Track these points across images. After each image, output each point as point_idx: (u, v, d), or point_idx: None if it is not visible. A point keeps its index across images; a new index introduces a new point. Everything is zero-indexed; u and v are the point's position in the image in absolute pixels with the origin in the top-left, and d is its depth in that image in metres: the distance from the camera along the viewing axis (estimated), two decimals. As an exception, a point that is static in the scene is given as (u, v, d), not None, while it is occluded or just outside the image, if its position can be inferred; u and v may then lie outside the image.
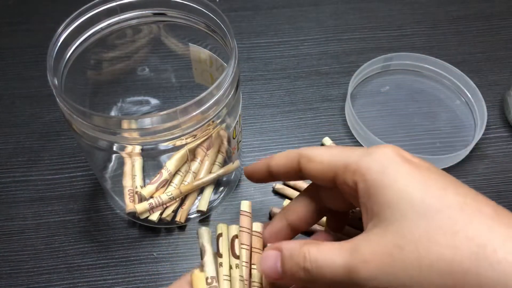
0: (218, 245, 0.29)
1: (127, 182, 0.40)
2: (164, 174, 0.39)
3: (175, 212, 0.40)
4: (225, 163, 0.42)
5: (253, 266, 0.29)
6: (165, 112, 0.29)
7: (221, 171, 0.41)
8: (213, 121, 0.33)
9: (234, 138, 0.38)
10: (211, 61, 0.39)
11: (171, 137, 0.31)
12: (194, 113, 0.31)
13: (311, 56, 0.55)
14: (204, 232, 0.30)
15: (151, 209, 0.38)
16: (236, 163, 0.42)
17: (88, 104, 0.41)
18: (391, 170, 0.24)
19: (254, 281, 0.29)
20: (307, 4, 0.60)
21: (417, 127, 0.48)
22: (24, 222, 0.42)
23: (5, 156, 0.46)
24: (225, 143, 0.40)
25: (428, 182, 0.23)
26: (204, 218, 0.42)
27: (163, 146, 0.32)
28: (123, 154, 0.39)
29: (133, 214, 0.39)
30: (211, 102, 0.31)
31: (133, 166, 0.40)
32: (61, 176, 0.45)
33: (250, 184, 0.44)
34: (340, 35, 0.57)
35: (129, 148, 0.33)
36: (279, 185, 0.43)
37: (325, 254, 0.24)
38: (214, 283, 0.28)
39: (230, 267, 0.29)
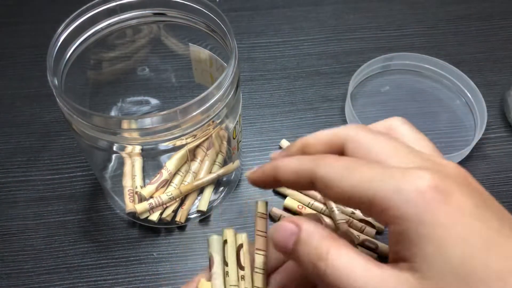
0: (224, 252, 0.27)
1: (127, 182, 0.40)
2: (164, 174, 0.39)
3: (175, 212, 0.40)
4: (225, 163, 0.42)
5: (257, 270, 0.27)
6: (165, 112, 0.29)
7: (221, 171, 0.41)
8: (213, 121, 0.33)
9: (234, 138, 0.38)
10: (211, 61, 0.39)
11: (171, 137, 0.31)
12: (194, 113, 0.31)
13: (311, 56, 0.55)
14: (214, 241, 0.27)
15: (151, 209, 0.38)
16: (236, 163, 0.42)
17: (88, 104, 0.41)
18: (427, 217, 0.19)
19: None
20: (307, 4, 0.60)
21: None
22: (24, 222, 0.42)
23: (5, 156, 0.46)
24: (225, 143, 0.40)
25: (470, 238, 0.19)
26: (204, 218, 0.42)
27: (163, 146, 0.32)
28: (123, 154, 0.39)
29: (133, 214, 0.39)
30: (211, 102, 0.31)
31: (133, 166, 0.40)
32: (61, 176, 0.45)
33: (250, 184, 0.44)
34: (340, 35, 0.57)
35: (129, 148, 0.33)
36: (279, 185, 0.43)
37: (347, 268, 0.21)
38: None
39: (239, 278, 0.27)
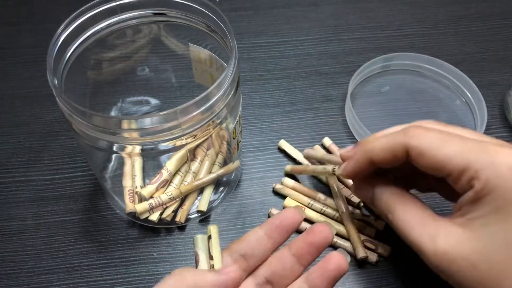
0: (209, 247, 0.29)
1: (127, 182, 0.40)
2: (164, 174, 0.39)
3: (175, 212, 0.40)
4: (225, 163, 0.42)
5: None
6: (165, 112, 0.29)
7: (221, 171, 0.41)
8: (213, 121, 0.33)
9: (234, 138, 0.38)
10: (211, 61, 0.39)
11: (171, 137, 0.31)
12: (194, 113, 0.31)
13: (311, 56, 0.55)
14: (198, 240, 0.29)
15: (151, 209, 0.38)
16: (236, 163, 0.42)
17: (88, 104, 0.41)
18: None
19: None
20: (307, 4, 0.60)
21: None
22: (24, 222, 0.42)
23: (5, 156, 0.46)
24: (225, 143, 0.40)
25: None
26: (204, 218, 0.42)
27: (163, 146, 0.32)
28: (123, 154, 0.39)
29: (133, 214, 0.39)
30: (211, 102, 0.31)
31: (133, 166, 0.40)
32: (61, 176, 0.45)
33: (250, 184, 0.44)
34: (340, 35, 0.57)
35: (129, 148, 0.33)
36: (279, 185, 0.43)
37: (406, 221, 0.26)
38: None
39: None
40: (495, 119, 0.49)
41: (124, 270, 0.39)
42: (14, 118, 0.49)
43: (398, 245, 0.38)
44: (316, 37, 0.57)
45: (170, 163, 0.39)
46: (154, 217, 0.39)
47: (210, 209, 0.42)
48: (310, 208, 0.41)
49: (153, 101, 0.47)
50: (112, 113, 0.45)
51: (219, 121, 0.34)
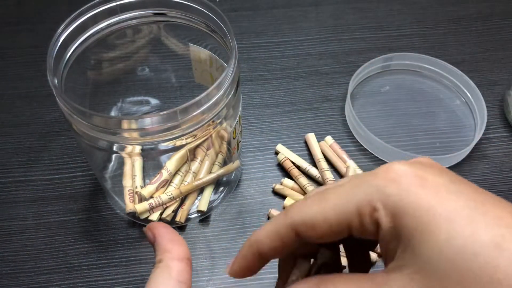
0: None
1: (127, 182, 0.40)
2: (164, 174, 0.39)
3: (175, 212, 0.40)
4: (225, 163, 0.42)
5: None
6: (165, 112, 0.29)
7: (221, 171, 0.41)
8: (213, 121, 0.33)
9: (234, 138, 0.38)
10: (211, 61, 0.39)
11: (171, 137, 0.31)
12: (194, 113, 0.31)
13: (311, 56, 0.55)
14: None
15: (151, 209, 0.38)
16: (236, 163, 0.42)
17: (88, 104, 0.41)
18: (410, 209, 0.19)
19: None
20: (307, 4, 0.60)
21: (417, 127, 0.48)
22: (24, 222, 0.42)
23: (5, 156, 0.46)
24: (225, 143, 0.40)
25: (452, 216, 0.18)
26: (204, 218, 0.42)
27: (163, 146, 0.32)
28: (123, 154, 0.39)
29: (133, 214, 0.39)
30: (211, 102, 0.31)
31: (133, 166, 0.40)
32: (61, 176, 0.45)
33: (250, 184, 0.44)
34: (340, 35, 0.57)
35: (129, 148, 0.33)
36: (278, 186, 0.43)
37: None
38: None
39: None
40: (495, 119, 0.49)
41: (124, 270, 0.39)
42: (14, 118, 0.49)
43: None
44: (316, 37, 0.57)
45: (170, 163, 0.39)
46: (154, 217, 0.39)
47: (210, 209, 0.42)
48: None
49: (153, 101, 0.47)
50: (112, 113, 0.45)
51: (219, 121, 0.34)
